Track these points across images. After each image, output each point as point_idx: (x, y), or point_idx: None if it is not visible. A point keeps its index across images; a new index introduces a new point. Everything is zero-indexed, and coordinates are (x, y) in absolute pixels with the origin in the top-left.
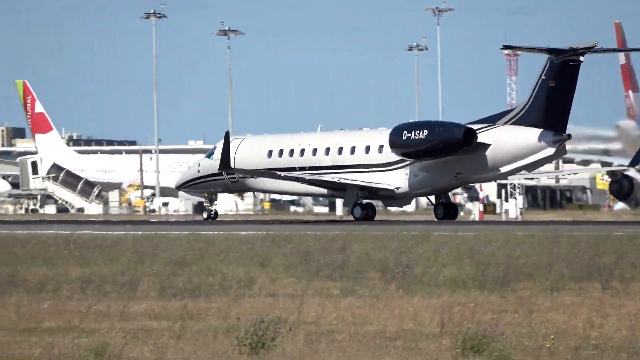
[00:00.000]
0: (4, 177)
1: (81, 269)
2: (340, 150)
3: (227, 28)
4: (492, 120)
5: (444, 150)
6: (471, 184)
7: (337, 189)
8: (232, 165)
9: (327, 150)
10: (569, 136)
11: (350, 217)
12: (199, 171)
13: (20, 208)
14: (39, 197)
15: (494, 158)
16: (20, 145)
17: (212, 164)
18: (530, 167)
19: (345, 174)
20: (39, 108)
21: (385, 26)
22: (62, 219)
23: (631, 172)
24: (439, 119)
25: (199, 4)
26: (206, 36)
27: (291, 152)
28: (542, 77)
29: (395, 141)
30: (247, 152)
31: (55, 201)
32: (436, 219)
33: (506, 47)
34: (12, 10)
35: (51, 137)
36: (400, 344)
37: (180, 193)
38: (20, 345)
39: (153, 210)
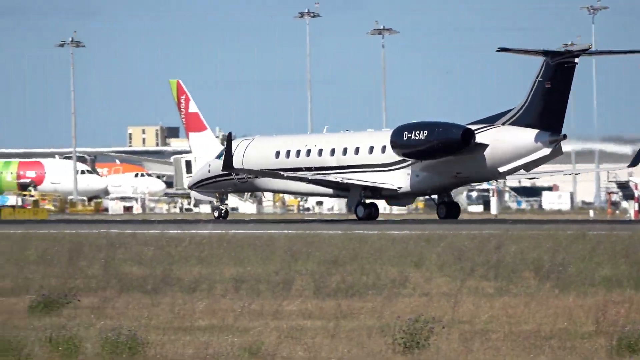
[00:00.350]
0: (158, 177)
1: (235, 268)
2: (344, 150)
3: (381, 27)
4: (491, 121)
5: (443, 150)
6: (628, 184)
7: (341, 189)
8: (241, 166)
9: (332, 151)
10: (565, 136)
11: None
12: (209, 171)
13: (175, 207)
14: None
15: (492, 158)
16: (175, 144)
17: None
18: (528, 167)
19: (349, 174)
20: (193, 107)
21: (539, 25)
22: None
23: None
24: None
25: (353, 3)
26: (360, 35)
27: (298, 153)
28: (539, 79)
29: (396, 142)
30: (256, 153)
31: (210, 200)
32: (438, 218)
33: (501, 50)
34: (165, 9)
35: (205, 136)
36: (554, 343)
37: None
38: (175, 344)
39: (307, 209)
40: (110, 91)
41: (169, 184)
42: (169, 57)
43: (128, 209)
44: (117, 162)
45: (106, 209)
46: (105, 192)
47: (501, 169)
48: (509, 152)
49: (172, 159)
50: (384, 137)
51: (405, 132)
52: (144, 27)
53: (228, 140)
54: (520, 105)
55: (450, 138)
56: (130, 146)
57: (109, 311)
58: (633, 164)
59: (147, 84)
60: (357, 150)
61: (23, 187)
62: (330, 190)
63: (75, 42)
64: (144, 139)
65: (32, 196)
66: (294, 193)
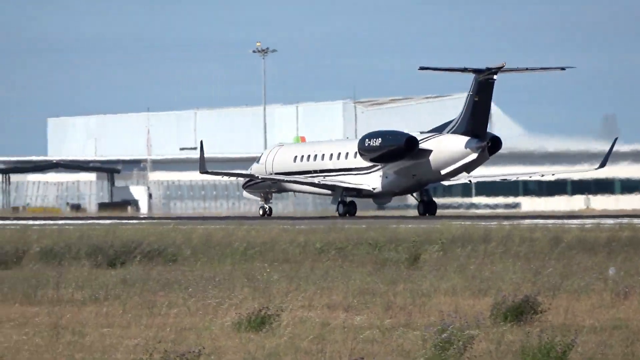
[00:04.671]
0: None
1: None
2: (338, 155)
3: None
4: (439, 130)
5: (392, 155)
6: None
7: (330, 189)
8: (271, 168)
9: (331, 156)
10: (489, 143)
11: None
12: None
13: None
14: None
15: (435, 162)
16: None
17: (259, 168)
18: (467, 170)
19: (341, 176)
20: None
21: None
22: None
23: None
24: None
25: None
26: None
27: (308, 158)
28: (470, 94)
29: (361, 148)
30: (281, 158)
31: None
32: (418, 214)
33: (423, 68)
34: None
35: None
36: None
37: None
38: None
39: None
40: None
41: None
42: None
43: None
44: None
45: None
46: None
47: (442, 172)
48: (447, 157)
49: None
50: None
51: (367, 140)
52: None
53: (201, 148)
54: (460, 115)
55: (396, 145)
56: None
57: None
58: (601, 166)
59: None
60: (346, 156)
61: None
62: (327, 190)
63: None
64: None
65: None
66: (305, 192)
